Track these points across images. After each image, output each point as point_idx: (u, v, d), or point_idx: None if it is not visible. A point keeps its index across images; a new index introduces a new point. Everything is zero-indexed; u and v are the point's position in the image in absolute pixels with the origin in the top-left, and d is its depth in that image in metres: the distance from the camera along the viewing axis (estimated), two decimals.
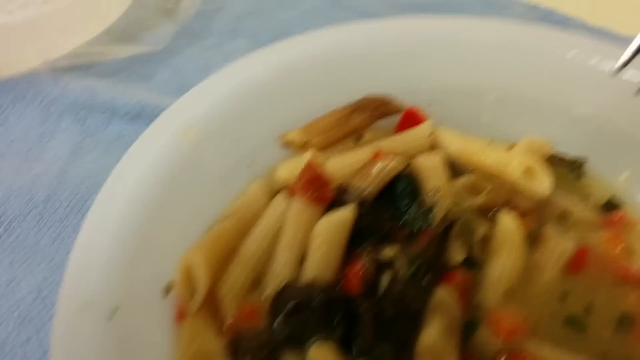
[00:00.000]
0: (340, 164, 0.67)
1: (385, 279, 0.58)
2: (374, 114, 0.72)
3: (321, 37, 0.72)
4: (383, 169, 0.66)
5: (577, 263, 0.63)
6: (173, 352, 0.52)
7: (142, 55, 0.96)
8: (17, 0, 0.98)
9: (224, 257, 0.58)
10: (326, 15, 1.12)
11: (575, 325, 0.58)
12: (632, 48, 0.59)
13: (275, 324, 0.53)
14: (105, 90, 0.87)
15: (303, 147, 0.68)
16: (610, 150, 0.72)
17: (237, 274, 0.58)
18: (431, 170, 0.67)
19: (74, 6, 0.90)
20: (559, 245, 0.63)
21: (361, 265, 0.58)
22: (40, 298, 0.65)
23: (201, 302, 0.55)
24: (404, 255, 0.60)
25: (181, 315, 0.55)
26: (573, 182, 0.74)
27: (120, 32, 0.99)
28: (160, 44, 0.99)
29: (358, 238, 0.60)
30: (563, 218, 0.68)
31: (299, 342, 0.53)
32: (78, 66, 0.91)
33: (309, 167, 0.62)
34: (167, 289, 0.55)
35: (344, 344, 0.53)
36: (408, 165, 0.69)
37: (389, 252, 0.59)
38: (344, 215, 0.58)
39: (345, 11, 1.14)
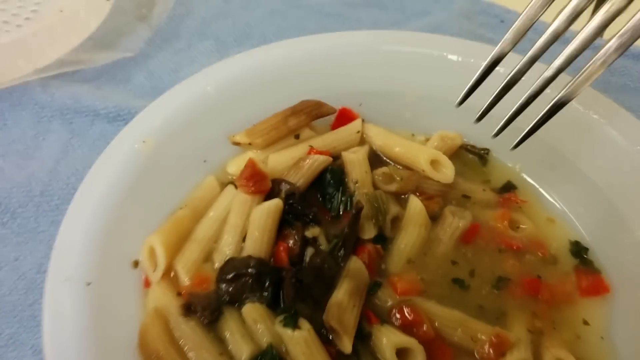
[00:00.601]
0: (278, 160, 0.82)
1: (308, 253, 0.73)
2: (308, 116, 0.86)
3: (262, 52, 0.85)
4: (312, 164, 0.80)
5: (469, 236, 0.78)
6: (141, 310, 0.68)
7: (119, 60, 1.09)
8: (8, 11, 1.13)
9: (180, 238, 0.74)
10: (285, 15, 1.25)
11: (460, 284, 0.73)
12: (471, 82, 0.71)
13: (220, 288, 0.69)
14: (88, 95, 1.01)
15: (249, 145, 0.83)
16: (508, 143, 0.86)
17: (191, 251, 0.73)
18: (355, 163, 0.82)
19: (57, 20, 1.03)
20: (455, 222, 0.78)
21: (288, 242, 0.73)
22: (41, 272, 0.80)
23: (162, 273, 0.70)
24: (325, 233, 0.75)
25: (147, 283, 0.71)
26: (479, 168, 0.88)
27: (101, 39, 1.12)
28: (136, 49, 1.12)
29: (290, 221, 0.76)
30: (465, 199, 0.83)
31: (238, 301, 0.68)
32: (64, 74, 1.04)
33: (249, 165, 0.76)
34: (136, 263, 0.71)
35: (274, 304, 0.69)
36: (339, 158, 0.84)
37: (312, 231, 0.75)
38: (273, 204, 0.73)
39: (303, 10, 1.26)
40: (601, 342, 0.69)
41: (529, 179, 0.85)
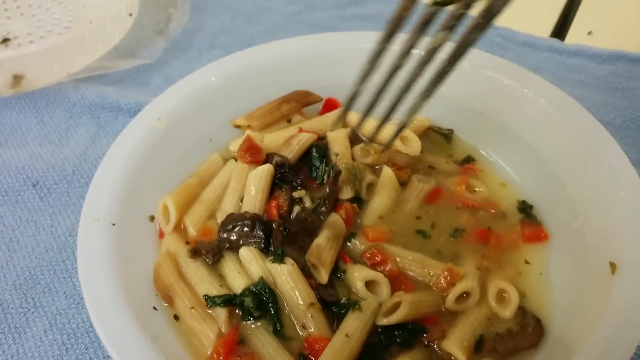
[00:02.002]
0: (272, 139, 0.97)
1: (295, 210, 0.87)
2: (298, 103, 1.01)
3: (259, 49, 1.02)
4: (300, 140, 0.95)
5: (431, 197, 0.92)
6: (156, 256, 0.83)
7: (140, 66, 1.27)
8: (46, 25, 1.31)
9: (188, 200, 0.89)
10: (285, 28, 1.42)
11: (422, 234, 0.87)
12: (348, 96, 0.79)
13: (221, 236, 0.84)
14: (113, 94, 1.18)
15: (247, 128, 0.98)
16: (469, 123, 1.01)
17: (198, 210, 0.88)
18: (337, 140, 0.97)
19: (87, 32, 1.20)
20: (420, 186, 0.92)
21: (278, 201, 0.88)
22: (73, 235, 0.96)
23: (173, 226, 0.85)
24: (310, 197, 0.90)
25: (161, 235, 0.86)
26: (444, 145, 1.03)
27: (123, 50, 1.30)
28: (154, 57, 1.29)
29: (280, 185, 0.90)
30: (431, 169, 0.97)
31: (236, 247, 0.83)
32: (92, 77, 1.22)
33: (247, 140, 0.92)
34: (152, 218, 0.86)
35: (266, 250, 0.83)
36: (324, 138, 0.99)
37: (299, 193, 0.89)
38: (266, 168, 0.88)
39: (301, 23, 1.43)
40: (539, 277, 0.82)
41: (484, 153, 0.99)
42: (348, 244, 0.85)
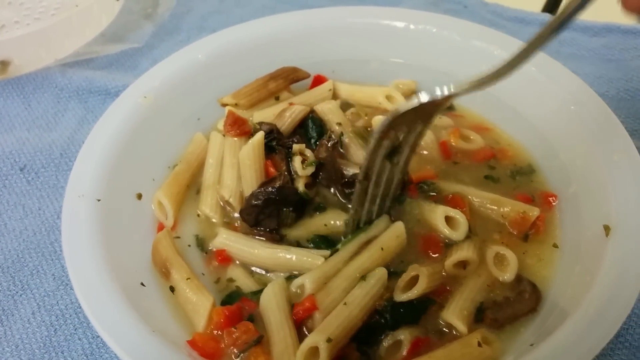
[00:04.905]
0: (263, 115, 0.95)
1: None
2: (286, 80, 1.00)
3: (246, 27, 1.00)
4: (293, 112, 0.94)
5: (445, 152, 0.92)
6: (144, 230, 0.82)
7: (128, 50, 1.25)
8: (33, 13, 1.30)
9: (181, 188, 0.88)
10: (274, 10, 1.38)
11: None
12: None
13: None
14: (101, 78, 1.17)
15: (235, 106, 0.97)
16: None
17: (209, 196, 0.87)
18: (333, 110, 0.96)
19: (75, 16, 1.19)
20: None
21: (274, 160, 0.87)
22: (60, 218, 0.94)
23: (173, 220, 0.84)
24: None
25: (160, 227, 0.85)
26: None
27: (111, 34, 1.28)
28: (142, 41, 1.28)
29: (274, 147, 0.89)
30: None
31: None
32: (80, 62, 1.21)
33: (230, 114, 0.90)
34: (139, 195, 0.85)
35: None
36: (313, 110, 0.98)
37: (299, 147, 0.87)
38: (256, 138, 0.85)
39: (290, 5, 1.41)
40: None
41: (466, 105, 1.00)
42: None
